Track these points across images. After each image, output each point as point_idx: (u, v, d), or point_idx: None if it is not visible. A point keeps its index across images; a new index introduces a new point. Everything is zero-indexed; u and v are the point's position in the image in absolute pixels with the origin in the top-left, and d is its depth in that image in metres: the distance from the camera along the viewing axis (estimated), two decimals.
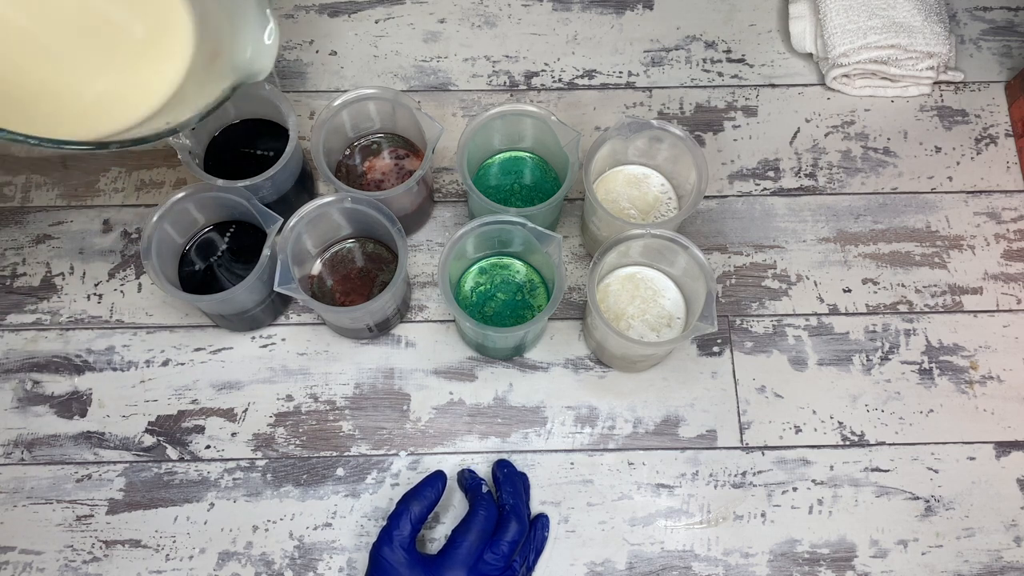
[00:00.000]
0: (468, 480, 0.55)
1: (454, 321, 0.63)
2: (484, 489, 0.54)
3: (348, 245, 0.62)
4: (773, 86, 0.71)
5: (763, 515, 0.58)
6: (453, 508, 0.58)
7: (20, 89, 0.45)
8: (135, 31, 0.48)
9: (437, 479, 0.54)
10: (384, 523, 0.52)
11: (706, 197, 0.67)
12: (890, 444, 0.60)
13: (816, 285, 0.65)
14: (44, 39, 0.46)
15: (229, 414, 0.60)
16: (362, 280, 0.61)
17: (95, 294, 0.63)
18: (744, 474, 0.59)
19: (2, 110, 0.43)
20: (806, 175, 0.68)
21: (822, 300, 0.64)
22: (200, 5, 0.49)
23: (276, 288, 0.53)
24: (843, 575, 0.57)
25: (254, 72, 0.51)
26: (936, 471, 0.60)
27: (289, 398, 0.61)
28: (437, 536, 0.57)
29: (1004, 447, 0.60)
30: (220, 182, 0.55)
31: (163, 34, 0.49)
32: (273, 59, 0.52)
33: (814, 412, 0.61)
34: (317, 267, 0.61)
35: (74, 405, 0.60)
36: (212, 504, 0.58)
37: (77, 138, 0.45)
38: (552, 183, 0.64)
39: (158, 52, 0.49)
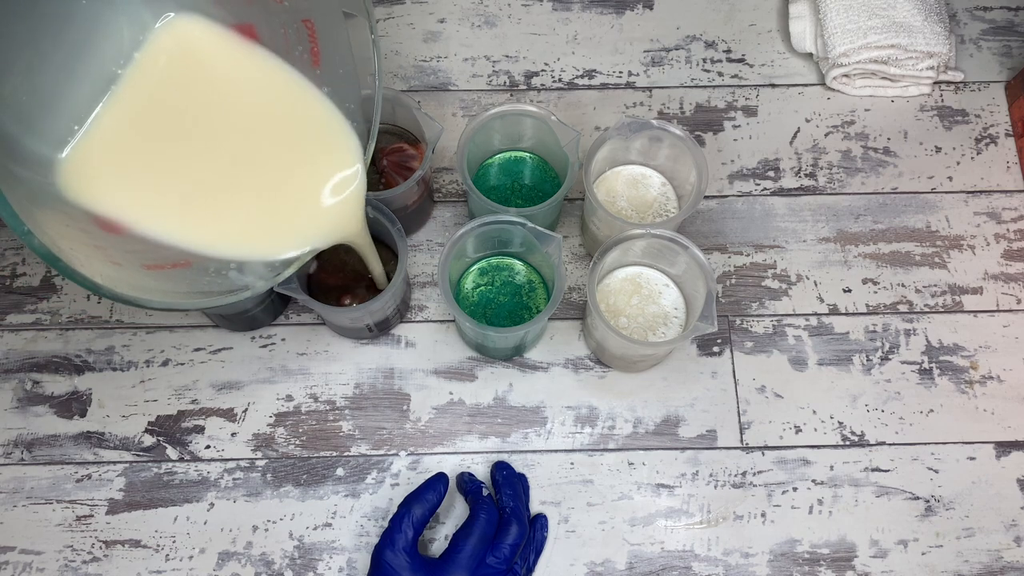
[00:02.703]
0: (467, 483, 0.55)
1: (454, 321, 0.63)
2: (484, 492, 0.54)
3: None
4: (773, 86, 0.71)
5: (763, 515, 0.58)
6: (454, 509, 0.58)
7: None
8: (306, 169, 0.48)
9: (439, 481, 0.54)
10: (385, 525, 0.52)
11: (706, 197, 0.67)
12: (890, 444, 0.60)
13: (816, 285, 0.65)
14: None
15: (229, 414, 0.60)
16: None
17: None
18: (744, 474, 0.59)
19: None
20: (806, 175, 0.68)
21: (822, 300, 0.64)
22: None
23: (276, 288, 0.53)
24: (843, 575, 0.57)
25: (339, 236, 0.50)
26: (936, 471, 0.60)
27: (289, 398, 0.61)
28: (438, 537, 0.57)
29: (1004, 447, 0.60)
30: None
31: (321, 180, 0.49)
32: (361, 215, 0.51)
33: (814, 412, 0.61)
34: (317, 267, 0.61)
35: (74, 405, 0.60)
36: (212, 504, 0.58)
37: (193, 246, 0.45)
38: (552, 183, 0.64)
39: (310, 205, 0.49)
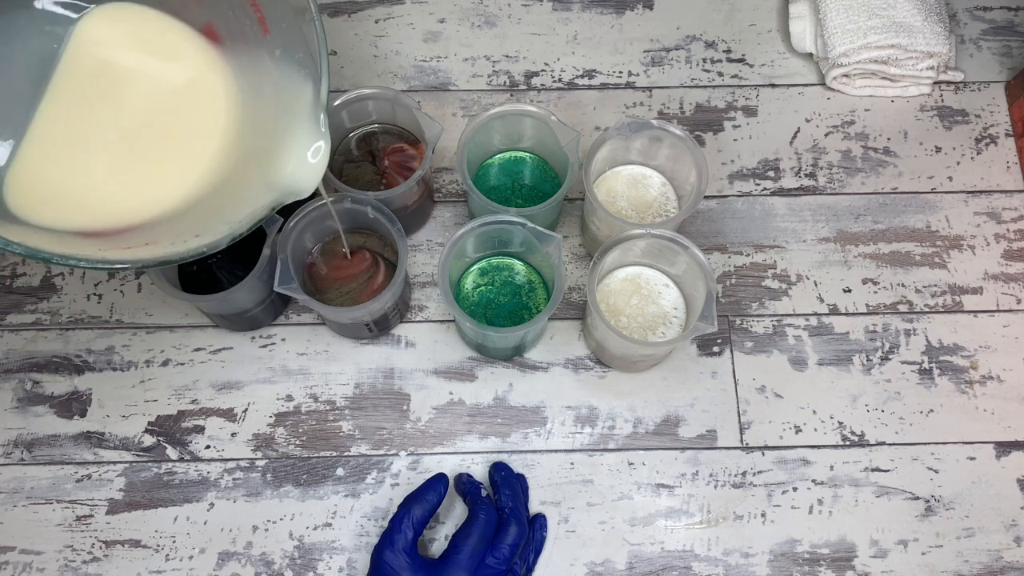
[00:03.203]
0: (466, 484, 0.55)
1: (454, 321, 0.63)
2: (483, 493, 0.54)
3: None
4: (773, 86, 0.71)
5: (763, 515, 0.58)
6: (453, 509, 0.58)
7: (51, 181, 0.45)
8: (178, 114, 0.48)
9: (439, 482, 0.54)
10: (385, 525, 0.52)
11: (706, 197, 0.67)
12: (890, 444, 0.60)
13: (816, 285, 0.65)
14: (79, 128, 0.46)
15: (229, 414, 0.60)
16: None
17: (95, 294, 0.63)
18: (744, 474, 0.59)
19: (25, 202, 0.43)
20: (806, 175, 0.68)
21: (822, 300, 0.64)
22: (252, 96, 0.48)
23: (276, 288, 0.53)
24: (843, 575, 0.57)
25: (293, 190, 0.48)
26: (936, 471, 0.60)
27: (289, 398, 0.61)
28: (437, 537, 0.57)
29: (1004, 447, 0.60)
30: None
31: (204, 119, 0.48)
32: (316, 180, 0.48)
33: (814, 412, 0.61)
34: (317, 266, 0.61)
35: (74, 405, 0.60)
36: (212, 504, 0.58)
37: (102, 224, 0.45)
38: (552, 183, 0.64)
39: (195, 137, 0.48)
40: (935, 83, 0.71)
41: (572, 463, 0.60)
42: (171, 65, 0.48)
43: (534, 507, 0.58)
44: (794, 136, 0.69)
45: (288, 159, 0.47)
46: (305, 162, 0.48)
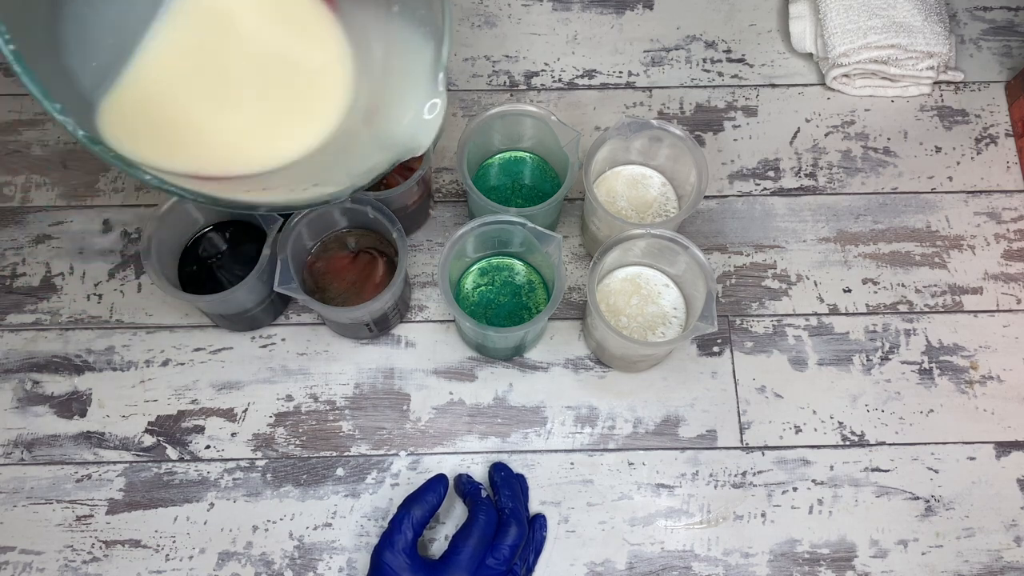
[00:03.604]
0: (465, 485, 0.55)
1: (454, 321, 0.63)
2: (483, 494, 0.54)
3: None
4: (773, 86, 0.71)
5: (763, 515, 0.58)
6: (454, 509, 0.58)
7: (168, 120, 0.45)
8: (296, 68, 0.48)
9: (439, 483, 0.54)
10: (385, 525, 0.52)
11: (706, 197, 0.67)
12: (890, 444, 0.60)
13: (816, 285, 0.65)
14: (206, 68, 0.46)
15: (229, 414, 0.60)
16: None
17: (95, 294, 0.63)
18: (744, 474, 0.59)
19: (145, 144, 0.42)
20: (806, 175, 0.68)
21: (822, 300, 0.64)
22: (366, 51, 0.48)
23: (276, 288, 0.53)
24: (843, 575, 0.57)
25: (409, 146, 0.47)
26: (936, 471, 0.60)
27: (289, 398, 0.61)
28: (438, 537, 0.57)
29: (1004, 447, 0.60)
30: None
31: (321, 74, 0.48)
32: (432, 137, 0.47)
33: (814, 412, 0.61)
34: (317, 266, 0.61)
35: (74, 405, 0.60)
36: (212, 504, 0.58)
37: (212, 171, 0.44)
38: (552, 183, 0.64)
39: (313, 91, 0.48)
40: (935, 83, 0.71)
41: (572, 463, 0.60)
42: (289, 16, 0.47)
43: (534, 507, 0.58)
44: (794, 136, 0.69)
45: (403, 115, 0.47)
46: (421, 119, 0.47)
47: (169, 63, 0.45)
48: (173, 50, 0.45)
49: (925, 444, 0.60)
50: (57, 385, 0.61)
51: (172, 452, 0.59)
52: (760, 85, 0.71)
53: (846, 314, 0.64)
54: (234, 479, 0.59)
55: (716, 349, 0.63)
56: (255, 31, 0.47)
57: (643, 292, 0.61)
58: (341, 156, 0.47)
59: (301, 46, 0.48)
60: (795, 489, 0.59)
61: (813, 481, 0.59)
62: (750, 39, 0.73)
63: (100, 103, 0.42)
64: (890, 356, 0.63)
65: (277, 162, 0.46)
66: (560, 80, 0.71)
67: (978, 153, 0.69)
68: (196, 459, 0.59)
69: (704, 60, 0.72)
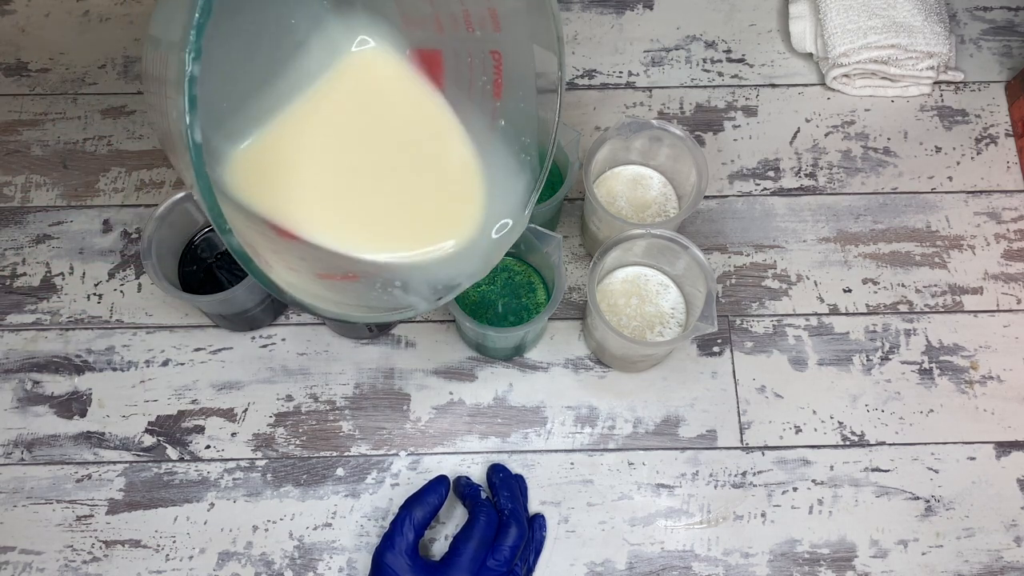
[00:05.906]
0: (465, 487, 0.55)
1: (454, 321, 0.63)
2: (482, 495, 0.54)
3: None
4: (773, 86, 0.71)
5: (763, 515, 0.58)
6: (454, 510, 0.58)
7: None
8: (431, 179, 0.49)
9: (440, 484, 0.54)
10: (385, 526, 0.52)
11: (706, 197, 0.67)
12: (890, 444, 0.60)
13: (816, 285, 0.65)
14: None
15: (229, 414, 0.60)
16: None
17: (95, 294, 0.63)
18: (744, 474, 0.59)
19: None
20: (806, 175, 0.68)
21: (822, 300, 0.64)
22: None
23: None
24: (843, 575, 0.57)
25: (480, 268, 0.48)
26: (936, 471, 0.60)
27: (289, 398, 0.61)
28: (438, 537, 0.57)
29: (1004, 447, 0.60)
30: None
31: (463, 174, 0.49)
32: (498, 260, 0.48)
33: (814, 412, 0.61)
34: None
35: (74, 405, 0.60)
36: (212, 504, 0.58)
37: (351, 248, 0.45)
38: (552, 183, 0.64)
39: (460, 190, 0.49)
40: (935, 83, 0.71)
41: (572, 463, 0.60)
42: (422, 117, 0.48)
43: (534, 507, 0.58)
44: (794, 136, 0.69)
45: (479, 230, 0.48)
46: (488, 237, 0.48)
47: (318, 131, 0.46)
48: (322, 120, 0.46)
49: (925, 444, 0.60)
50: (57, 385, 0.61)
51: (172, 452, 0.59)
52: (760, 85, 0.71)
53: (846, 314, 0.64)
54: (234, 479, 0.59)
55: (716, 349, 0.63)
56: (401, 125, 0.48)
57: (643, 292, 0.61)
58: (457, 261, 0.47)
59: (435, 145, 0.49)
60: (795, 489, 0.59)
61: (813, 481, 0.59)
62: (750, 39, 0.73)
63: (232, 155, 0.44)
64: (890, 356, 0.63)
65: (391, 255, 0.47)
66: None
67: (978, 153, 0.69)
68: (196, 459, 0.59)
69: (704, 60, 0.72)
